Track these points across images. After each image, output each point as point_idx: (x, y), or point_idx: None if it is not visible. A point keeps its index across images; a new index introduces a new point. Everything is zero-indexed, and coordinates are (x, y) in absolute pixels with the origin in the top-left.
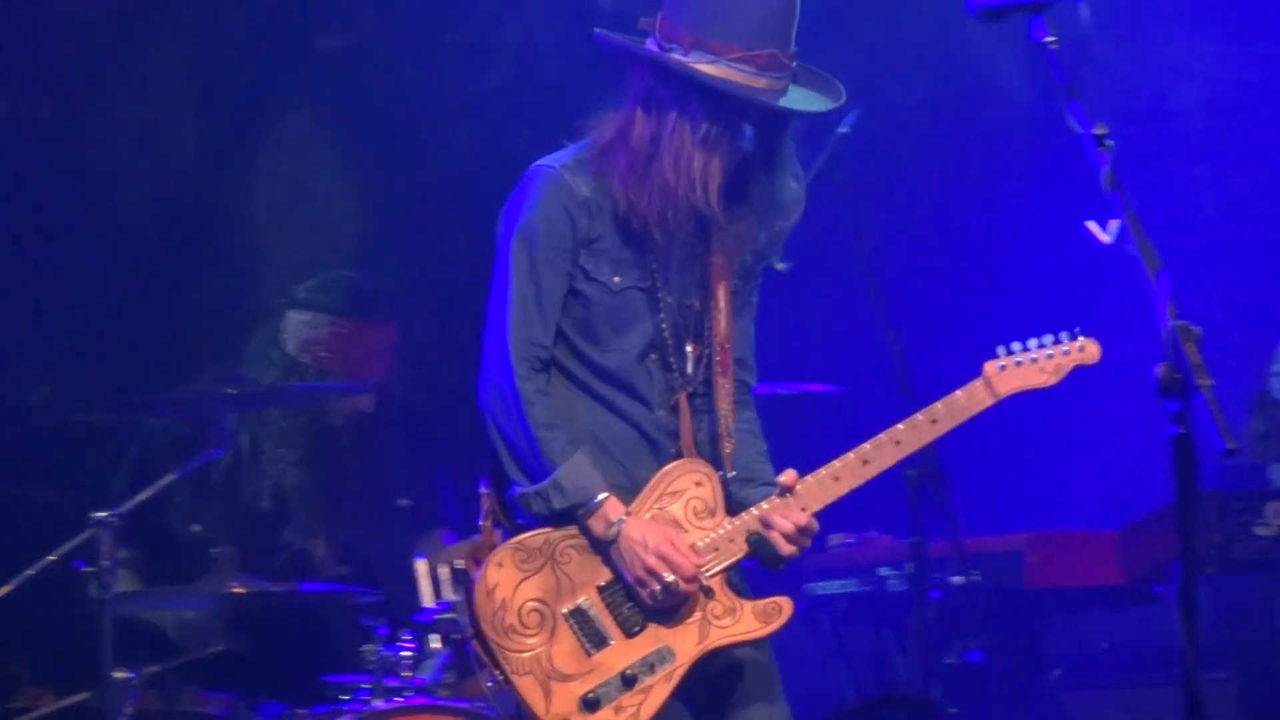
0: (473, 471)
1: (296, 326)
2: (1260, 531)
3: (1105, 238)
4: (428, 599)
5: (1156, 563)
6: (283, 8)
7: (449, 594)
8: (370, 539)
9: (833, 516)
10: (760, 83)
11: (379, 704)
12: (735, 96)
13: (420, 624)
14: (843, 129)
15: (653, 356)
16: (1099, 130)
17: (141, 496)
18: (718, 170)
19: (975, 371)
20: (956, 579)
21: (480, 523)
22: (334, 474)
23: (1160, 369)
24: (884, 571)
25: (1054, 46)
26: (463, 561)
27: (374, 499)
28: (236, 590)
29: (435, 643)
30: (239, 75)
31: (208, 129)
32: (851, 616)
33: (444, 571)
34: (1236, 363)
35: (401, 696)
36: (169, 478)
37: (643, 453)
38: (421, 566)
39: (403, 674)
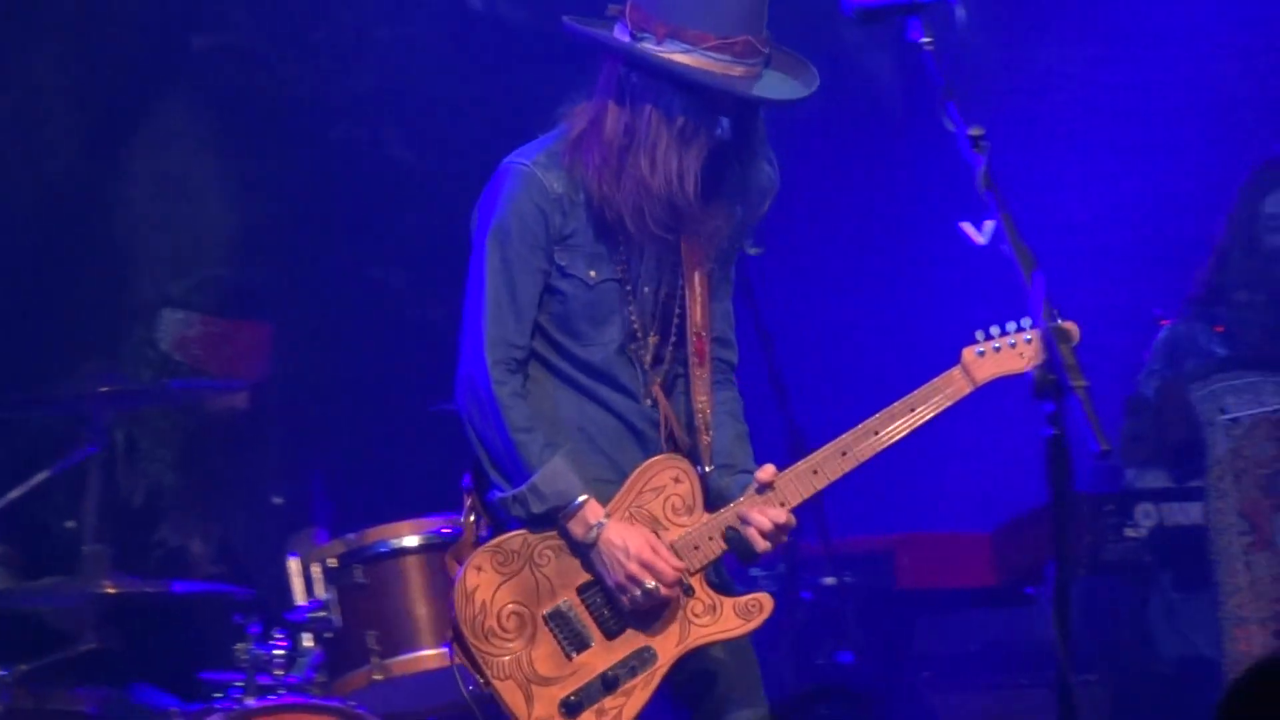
0: (345, 470)
1: (171, 325)
2: (1130, 534)
3: (980, 238)
4: (300, 597)
5: (1028, 564)
6: (157, 6)
7: (321, 592)
8: (244, 537)
9: None
10: (736, 70)
11: (251, 702)
12: (713, 88)
13: (293, 622)
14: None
15: (631, 347)
16: (974, 131)
17: (14, 494)
18: (694, 162)
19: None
20: (828, 580)
21: (462, 519)
22: (209, 472)
23: (1035, 370)
24: (755, 572)
25: (930, 48)
26: (334, 560)
27: (249, 497)
28: (109, 588)
29: (308, 641)
30: (114, 73)
31: (83, 127)
32: None
33: (316, 570)
34: (1110, 365)
35: (274, 695)
36: (42, 475)
37: (629, 444)
38: (294, 565)
39: (275, 672)
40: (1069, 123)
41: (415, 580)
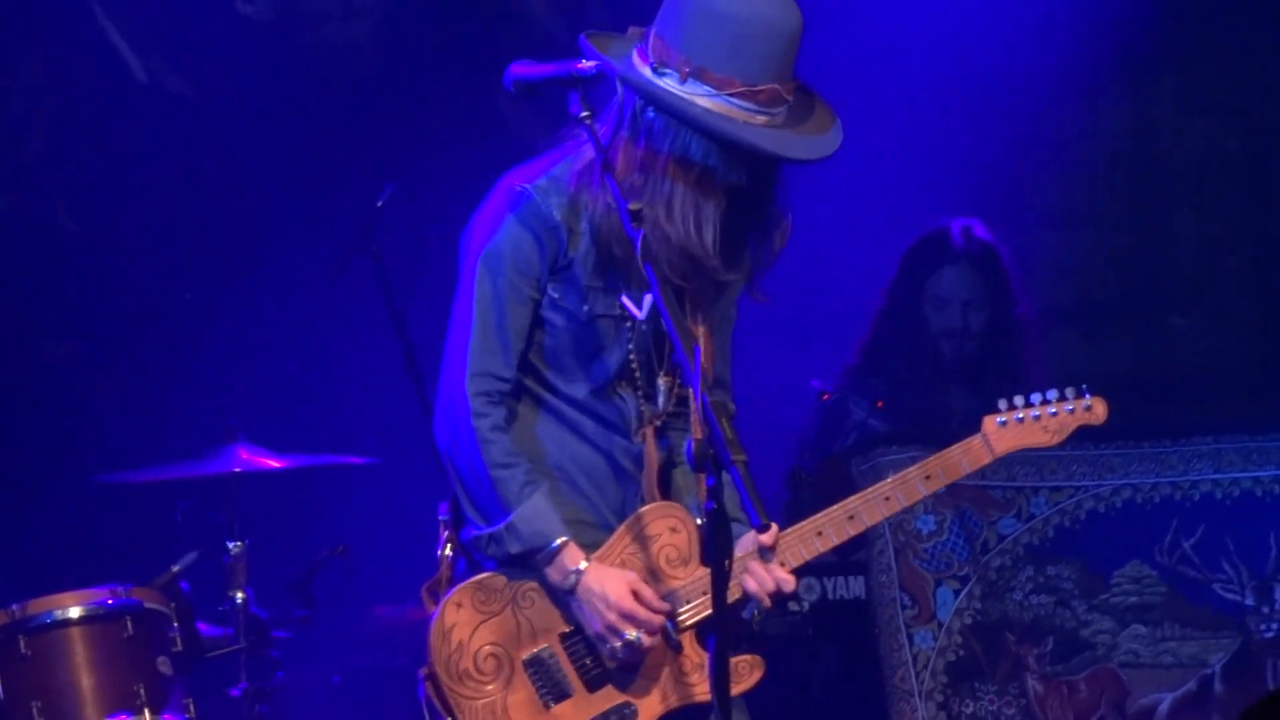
0: (5, 540)
1: None
2: (793, 607)
3: (639, 312)
4: None
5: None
6: None
7: None
8: None
9: (384, 588)
10: (759, 120)
11: None
12: (737, 141)
13: None
14: (379, 202)
15: (623, 385)
16: (634, 206)
17: None
18: (713, 212)
19: None
20: None
21: (438, 552)
22: None
23: (695, 444)
24: None
25: (588, 121)
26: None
27: None
28: None
29: None
30: None
31: None
32: (392, 688)
33: None
34: (770, 438)
35: None
36: None
37: (609, 484)
38: None
39: None
40: None
41: (80, 651)
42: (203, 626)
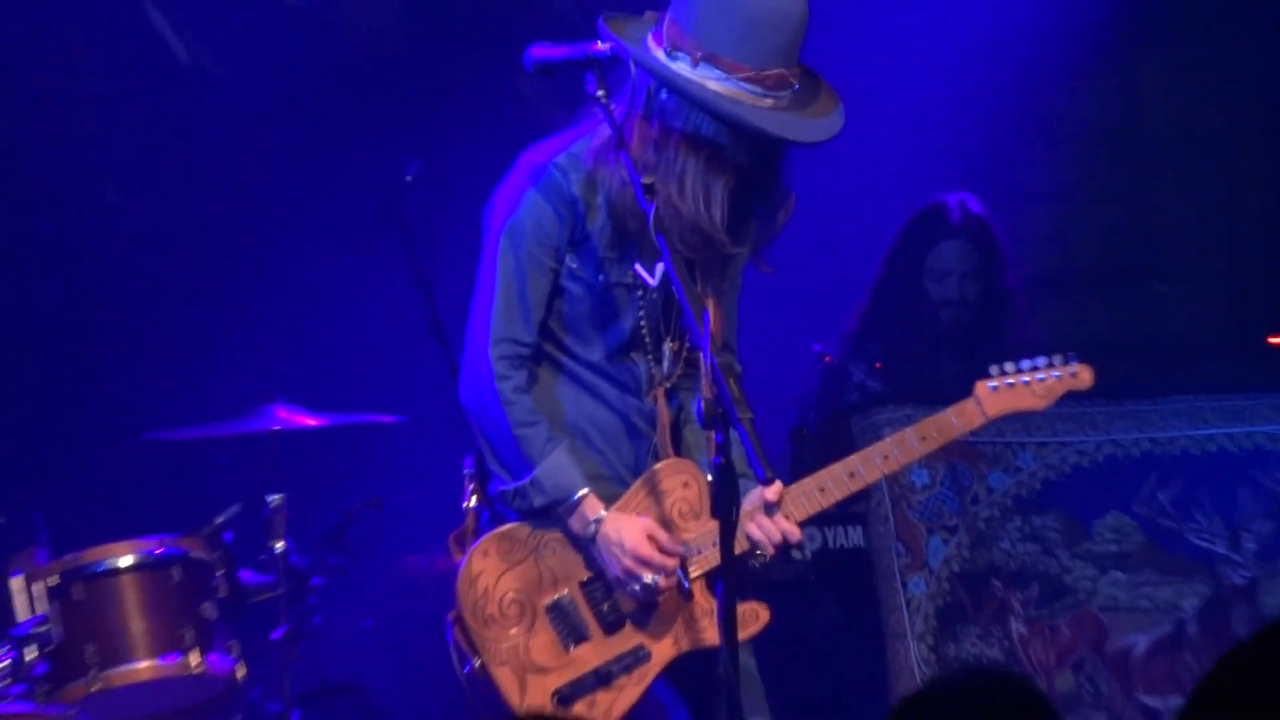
0: (64, 494)
1: None
2: (797, 555)
3: (652, 280)
4: (23, 613)
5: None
6: None
7: (42, 608)
8: None
9: (414, 538)
10: (765, 103)
11: None
12: (747, 125)
13: (17, 636)
14: (408, 177)
15: (635, 350)
16: (647, 180)
17: None
18: (721, 190)
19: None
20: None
21: (464, 504)
22: None
23: (704, 403)
24: None
25: (604, 100)
26: (55, 578)
27: None
28: None
29: (31, 654)
30: None
31: None
32: (422, 632)
33: (38, 588)
34: (775, 398)
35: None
36: None
37: (624, 442)
38: (16, 583)
39: (1, 682)
40: None
41: (131, 597)
42: (245, 574)
